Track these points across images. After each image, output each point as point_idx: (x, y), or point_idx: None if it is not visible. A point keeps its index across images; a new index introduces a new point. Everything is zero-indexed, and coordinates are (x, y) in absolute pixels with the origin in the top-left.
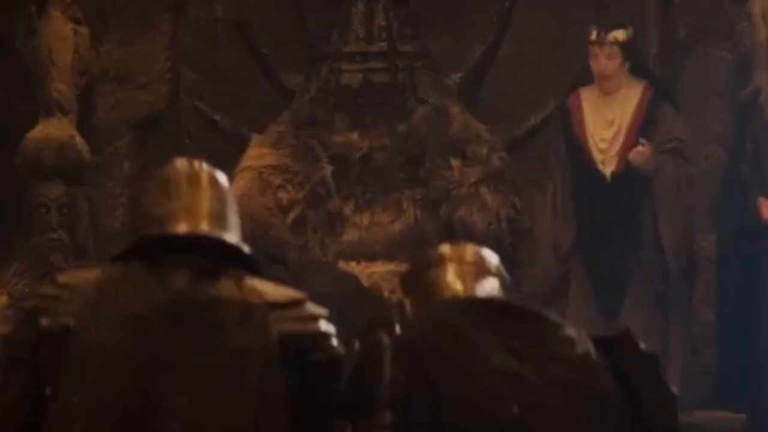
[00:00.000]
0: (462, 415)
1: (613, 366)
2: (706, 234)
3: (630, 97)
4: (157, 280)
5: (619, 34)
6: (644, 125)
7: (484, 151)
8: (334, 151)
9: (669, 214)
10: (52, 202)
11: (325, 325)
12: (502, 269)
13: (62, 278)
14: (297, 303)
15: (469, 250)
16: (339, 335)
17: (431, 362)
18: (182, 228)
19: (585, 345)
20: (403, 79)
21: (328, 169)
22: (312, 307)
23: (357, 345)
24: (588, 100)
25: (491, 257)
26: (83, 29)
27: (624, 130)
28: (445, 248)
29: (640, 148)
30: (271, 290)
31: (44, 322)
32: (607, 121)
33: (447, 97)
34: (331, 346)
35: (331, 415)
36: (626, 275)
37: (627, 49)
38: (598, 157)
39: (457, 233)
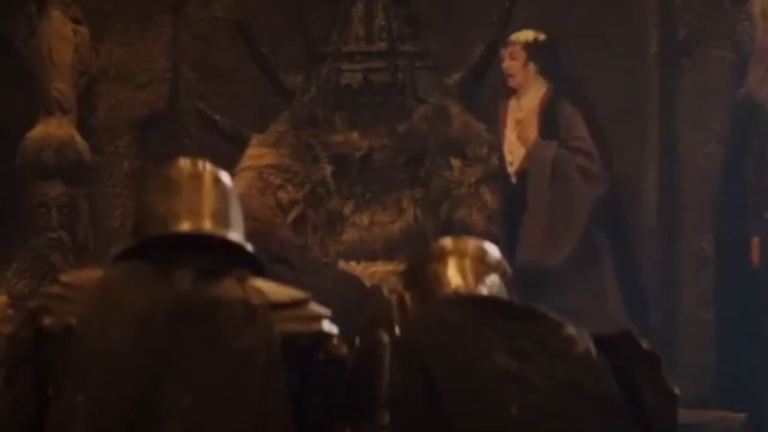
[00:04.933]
0: (461, 416)
1: (614, 365)
2: (704, 234)
3: (533, 99)
4: (160, 280)
5: (523, 35)
6: (544, 124)
7: (484, 150)
8: (334, 150)
9: (563, 206)
10: (52, 202)
11: (328, 326)
12: (504, 264)
13: (65, 277)
14: (300, 303)
15: (471, 244)
16: (341, 335)
17: (432, 362)
18: (185, 227)
19: (585, 343)
20: (403, 79)
21: (328, 169)
22: (315, 308)
23: (357, 344)
24: (511, 107)
25: (493, 252)
26: (83, 29)
27: (528, 132)
28: (447, 242)
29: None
30: (274, 290)
31: (47, 321)
32: (516, 123)
33: (447, 97)
34: (334, 347)
35: (332, 415)
36: (544, 277)
37: (533, 50)
38: (508, 159)
39: (457, 233)
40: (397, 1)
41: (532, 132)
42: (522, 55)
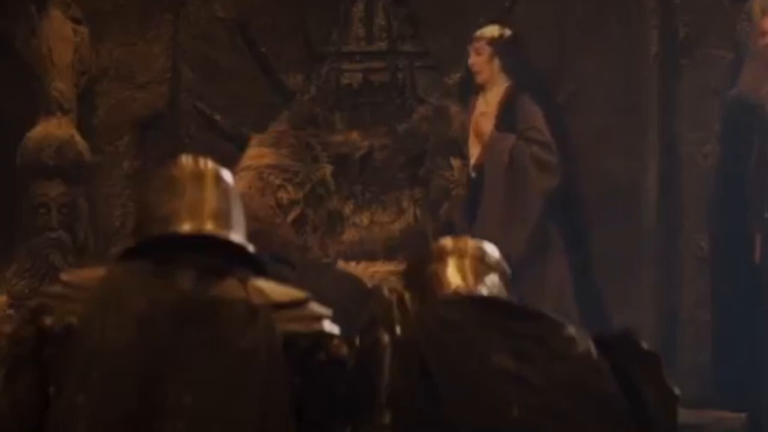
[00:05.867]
0: (462, 417)
1: (614, 365)
2: (704, 234)
3: (497, 94)
4: (161, 280)
5: (489, 31)
6: (505, 118)
7: None
8: (334, 150)
9: (518, 197)
10: (52, 202)
11: (329, 326)
12: (503, 264)
13: (67, 277)
14: (301, 303)
15: (471, 244)
16: (342, 336)
17: (432, 362)
18: (187, 228)
19: (585, 344)
20: (403, 79)
21: (328, 169)
22: (316, 308)
23: (357, 344)
24: (478, 103)
25: (493, 252)
26: (83, 29)
27: (486, 126)
28: (447, 242)
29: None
30: (275, 290)
31: (48, 320)
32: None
33: (447, 97)
34: (335, 347)
35: (333, 415)
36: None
37: (498, 46)
38: (471, 153)
39: (456, 233)
40: (397, 1)
41: (488, 126)
42: (487, 50)
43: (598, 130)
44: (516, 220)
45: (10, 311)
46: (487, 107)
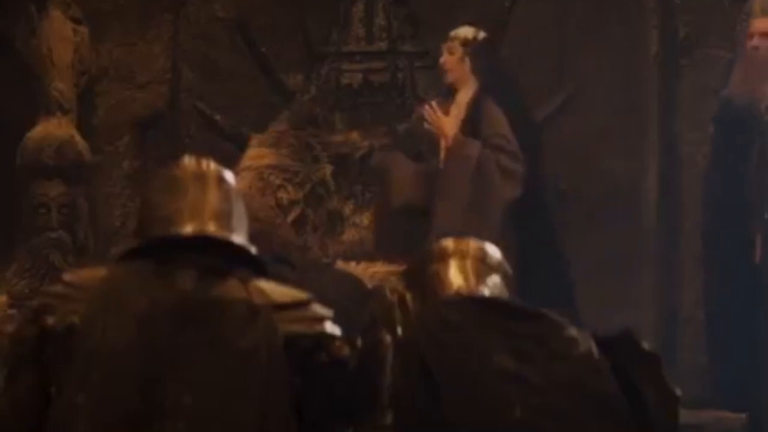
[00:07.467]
0: (462, 417)
1: (615, 365)
2: (704, 234)
3: (465, 96)
4: (162, 280)
5: (462, 32)
6: (471, 122)
7: None
8: (334, 150)
9: (483, 205)
10: (52, 202)
11: (330, 327)
12: (505, 265)
13: (68, 276)
14: (302, 304)
15: (472, 245)
16: (343, 336)
17: (434, 363)
18: (188, 229)
19: (586, 344)
20: (403, 79)
21: (328, 169)
22: (318, 309)
23: (359, 344)
24: (453, 104)
25: (494, 253)
26: (83, 29)
27: (449, 128)
28: (448, 243)
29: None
30: (276, 291)
31: (50, 320)
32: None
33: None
34: (337, 348)
35: (334, 415)
36: None
37: (471, 47)
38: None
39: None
40: (397, 1)
41: (451, 128)
42: (459, 51)
43: (598, 130)
44: (477, 229)
45: (11, 311)
46: (456, 109)
